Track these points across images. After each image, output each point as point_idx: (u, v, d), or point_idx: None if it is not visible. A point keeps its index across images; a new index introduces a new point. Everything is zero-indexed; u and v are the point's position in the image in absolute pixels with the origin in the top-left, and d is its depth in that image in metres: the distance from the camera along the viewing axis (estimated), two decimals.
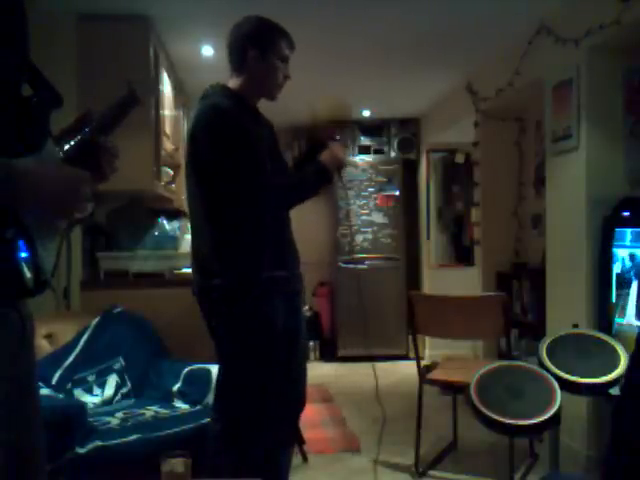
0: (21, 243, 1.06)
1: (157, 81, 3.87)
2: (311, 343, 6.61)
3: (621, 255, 3.16)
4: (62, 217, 1.16)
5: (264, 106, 2.46)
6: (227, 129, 2.25)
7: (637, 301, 3.02)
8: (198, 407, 2.94)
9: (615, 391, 2.57)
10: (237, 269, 2.27)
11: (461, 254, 6.66)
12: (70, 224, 1.24)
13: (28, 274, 1.08)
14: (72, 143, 1.19)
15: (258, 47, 2.32)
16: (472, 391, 2.58)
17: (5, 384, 1.14)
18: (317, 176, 2.39)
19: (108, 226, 3.93)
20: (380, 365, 6.22)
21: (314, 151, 2.49)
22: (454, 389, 3.57)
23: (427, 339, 6.03)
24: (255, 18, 2.37)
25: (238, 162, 2.23)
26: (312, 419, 4.33)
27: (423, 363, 3.57)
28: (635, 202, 3.21)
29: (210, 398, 2.75)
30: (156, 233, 3.92)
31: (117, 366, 3.12)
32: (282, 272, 2.34)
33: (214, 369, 2.42)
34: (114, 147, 1.25)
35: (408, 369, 5.47)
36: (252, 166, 2.24)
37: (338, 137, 2.47)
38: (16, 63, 1.12)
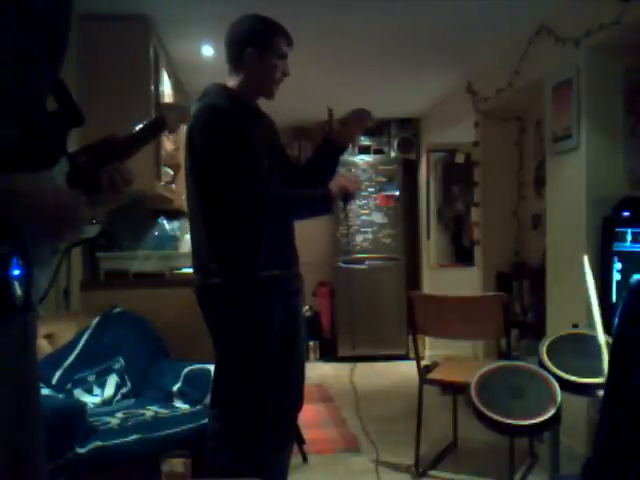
0: (15, 260, 1.05)
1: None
2: (311, 343, 6.61)
3: (621, 255, 3.16)
4: (57, 237, 1.15)
5: (264, 106, 2.46)
6: (223, 129, 2.24)
7: None
8: (198, 407, 2.94)
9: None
10: (234, 268, 2.27)
11: (461, 254, 6.66)
12: (71, 245, 1.23)
13: (19, 292, 1.06)
14: (86, 163, 1.18)
15: (255, 45, 2.31)
16: (472, 391, 2.58)
17: (7, 385, 1.14)
18: (319, 202, 2.38)
19: (108, 226, 3.93)
20: (380, 365, 6.34)
21: (328, 150, 2.50)
22: (454, 389, 3.57)
23: (427, 339, 6.03)
24: (252, 16, 2.36)
25: (234, 162, 2.23)
26: (312, 419, 4.33)
27: (423, 363, 3.56)
28: (635, 202, 3.21)
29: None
30: (156, 233, 3.93)
31: (117, 366, 3.12)
32: (280, 272, 2.34)
33: (214, 369, 2.43)
34: (129, 173, 1.23)
35: (408, 369, 5.47)
36: (248, 166, 2.23)
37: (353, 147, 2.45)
38: (48, 78, 1.11)
